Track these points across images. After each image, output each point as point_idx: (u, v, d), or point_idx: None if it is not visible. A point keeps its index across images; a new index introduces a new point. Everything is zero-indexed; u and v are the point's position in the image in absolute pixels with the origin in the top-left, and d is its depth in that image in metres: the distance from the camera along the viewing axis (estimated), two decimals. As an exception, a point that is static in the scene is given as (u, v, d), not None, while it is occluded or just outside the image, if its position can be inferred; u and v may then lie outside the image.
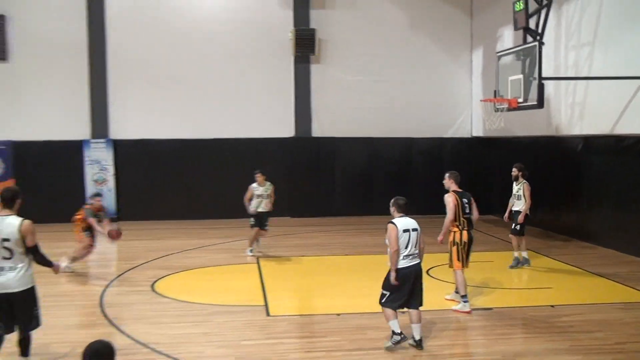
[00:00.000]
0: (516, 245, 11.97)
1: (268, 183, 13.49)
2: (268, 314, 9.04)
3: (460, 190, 9.21)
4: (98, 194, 12.60)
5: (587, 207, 14.55)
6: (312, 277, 11.76)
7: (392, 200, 7.77)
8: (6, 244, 6.32)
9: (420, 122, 19.69)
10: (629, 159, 12.99)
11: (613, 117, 13.21)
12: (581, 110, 14.43)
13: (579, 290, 10.40)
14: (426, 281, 10.83)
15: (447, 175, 9.33)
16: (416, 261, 7.57)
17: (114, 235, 11.45)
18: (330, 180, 19.41)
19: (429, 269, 11.75)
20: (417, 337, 7.52)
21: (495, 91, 14.41)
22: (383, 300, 7.52)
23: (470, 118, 20.21)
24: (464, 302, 9.05)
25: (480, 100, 18.63)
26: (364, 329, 8.21)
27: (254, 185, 13.33)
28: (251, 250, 13.46)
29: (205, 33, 18.97)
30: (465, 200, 9.08)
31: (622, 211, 13.25)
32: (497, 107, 14.38)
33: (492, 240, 15.01)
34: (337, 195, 19.12)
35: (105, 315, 9.03)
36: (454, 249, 9.13)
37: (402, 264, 7.43)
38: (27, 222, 6.46)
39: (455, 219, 9.02)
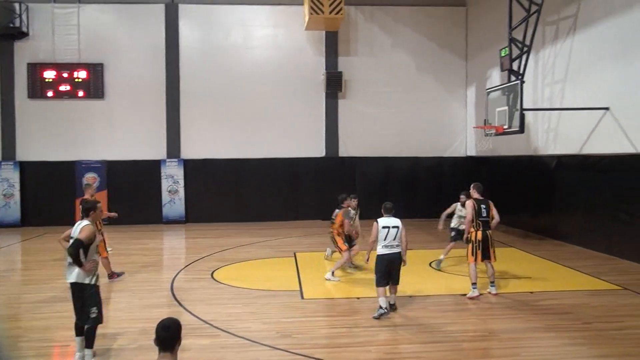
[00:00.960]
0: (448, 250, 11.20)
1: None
2: (302, 297, 8.99)
3: (480, 198, 9.01)
4: (354, 195, 10.96)
5: (560, 212, 14.21)
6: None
7: (383, 205, 8.17)
8: (72, 241, 6.18)
9: (424, 144, 19.51)
10: (594, 174, 12.68)
11: (581, 140, 12.91)
12: (555, 135, 14.14)
13: (553, 280, 10.12)
14: (429, 271, 10.80)
15: (472, 186, 9.21)
16: (394, 250, 7.85)
17: (356, 235, 10.63)
18: (352, 190, 19.20)
19: (430, 262, 11.62)
20: (392, 302, 8.06)
21: (485, 120, 14.19)
22: (375, 282, 7.90)
23: (465, 141, 19.92)
24: (473, 288, 8.80)
25: (473, 127, 18.46)
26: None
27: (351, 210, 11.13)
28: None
29: (256, 74, 19.07)
30: (483, 206, 8.88)
31: (588, 215, 12.94)
32: (487, 132, 14.16)
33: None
34: (358, 202, 18.93)
35: (175, 297, 9.07)
36: (469, 245, 8.93)
37: (382, 251, 7.85)
38: (87, 225, 6.21)
39: (473, 221, 8.84)
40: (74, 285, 6.19)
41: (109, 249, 10.86)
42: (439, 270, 11.00)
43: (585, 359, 6.32)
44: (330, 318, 8.12)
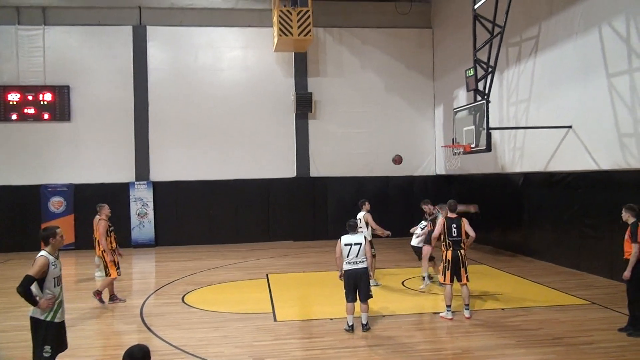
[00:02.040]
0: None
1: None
2: (275, 320, 8.89)
3: (454, 216, 8.86)
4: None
5: (529, 228, 14.48)
6: (311, 288, 11.62)
7: (347, 222, 8.53)
8: (23, 278, 5.59)
9: (394, 164, 19.66)
10: (560, 190, 12.99)
11: (546, 157, 13.25)
12: (521, 153, 14.47)
13: (523, 296, 10.25)
14: (402, 290, 10.84)
15: (447, 203, 9.18)
16: (358, 266, 8.09)
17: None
18: (324, 211, 19.36)
19: (403, 281, 11.68)
20: (364, 322, 8.17)
21: (453, 139, 14.45)
22: (345, 297, 8.14)
23: (435, 160, 20.22)
24: (447, 310, 8.76)
25: (442, 146, 18.73)
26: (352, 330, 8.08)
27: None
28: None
29: (226, 96, 19.08)
30: (454, 225, 8.72)
31: (556, 231, 13.20)
32: (455, 151, 14.42)
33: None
34: (330, 222, 19.00)
35: (145, 323, 8.88)
36: (441, 265, 8.92)
37: (347, 267, 8.12)
38: (40, 257, 5.63)
39: (442, 240, 8.81)
40: (30, 320, 5.68)
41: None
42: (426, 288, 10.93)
43: (556, 374, 6.40)
44: (303, 340, 8.05)
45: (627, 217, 7.71)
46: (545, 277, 11.71)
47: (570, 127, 12.28)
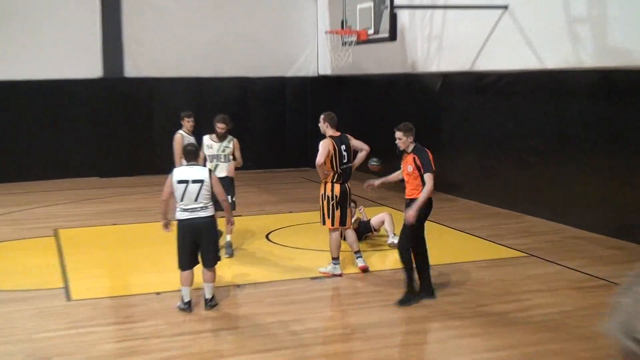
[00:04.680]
0: None
1: (229, 137, 11.10)
2: (69, 299, 8.63)
3: (338, 134, 9.13)
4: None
5: (448, 153, 15.08)
6: (125, 249, 11.39)
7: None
8: None
9: (256, 59, 19.50)
10: (490, 98, 13.62)
11: (473, 52, 13.76)
12: (439, 44, 14.91)
13: (436, 249, 10.68)
14: (266, 248, 10.97)
15: (321, 117, 9.23)
16: (198, 214, 7.92)
17: None
18: (148, 131, 18.83)
19: (268, 233, 11.83)
20: (208, 296, 8.11)
21: (342, 21, 14.53)
22: (178, 263, 8.03)
23: (316, 54, 20.33)
24: (334, 264, 9.17)
25: (326, 32, 18.75)
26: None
27: (206, 138, 10.96)
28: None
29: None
30: (343, 147, 9.01)
31: (484, 157, 13.94)
32: (345, 39, 14.52)
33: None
34: (157, 148, 18.45)
35: None
36: (325, 203, 9.14)
37: (181, 216, 7.95)
38: None
39: (332, 168, 8.98)
40: None
41: None
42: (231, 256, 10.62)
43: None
44: (114, 327, 8.00)
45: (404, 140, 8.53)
46: (469, 222, 12.45)
47: (506, 7, 12.78)
